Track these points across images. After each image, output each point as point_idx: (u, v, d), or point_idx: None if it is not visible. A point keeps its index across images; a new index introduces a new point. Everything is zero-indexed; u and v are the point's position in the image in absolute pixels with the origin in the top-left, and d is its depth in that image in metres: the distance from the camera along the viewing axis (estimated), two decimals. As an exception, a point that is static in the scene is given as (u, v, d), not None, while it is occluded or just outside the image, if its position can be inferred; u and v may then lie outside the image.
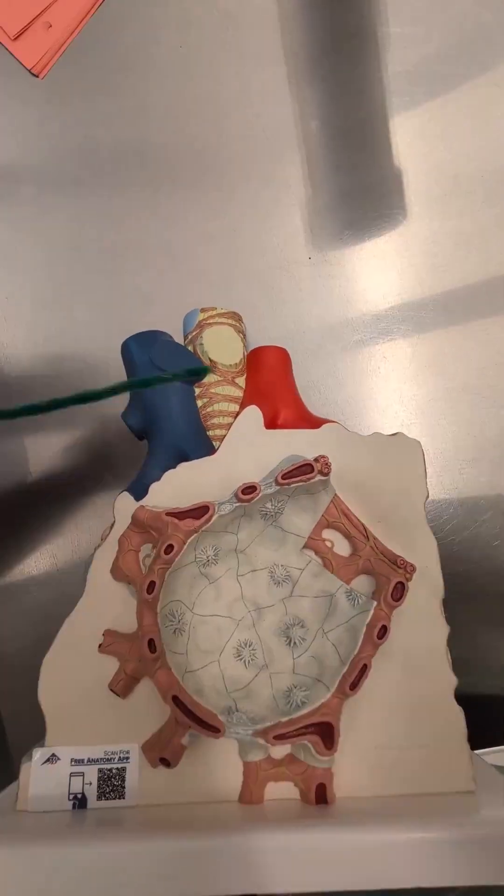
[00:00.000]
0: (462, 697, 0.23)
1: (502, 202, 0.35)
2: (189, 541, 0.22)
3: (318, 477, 0.24)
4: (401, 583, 0.23)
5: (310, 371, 0.36)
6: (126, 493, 0.25)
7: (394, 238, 0.36)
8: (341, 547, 0.25)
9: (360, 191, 0.36)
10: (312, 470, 0.23)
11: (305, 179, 0.36)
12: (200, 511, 0.22)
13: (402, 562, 0.23)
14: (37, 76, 0.34)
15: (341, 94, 0.36)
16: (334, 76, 0.36)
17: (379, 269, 0.36)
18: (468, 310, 0.36)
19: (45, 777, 0.21)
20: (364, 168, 0.36)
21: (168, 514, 0.22)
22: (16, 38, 0.34)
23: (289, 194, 0.36)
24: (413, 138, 0.36)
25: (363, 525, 0.25)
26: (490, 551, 0.34)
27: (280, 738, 0.20)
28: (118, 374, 0.30)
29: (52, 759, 0.22)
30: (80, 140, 0.36)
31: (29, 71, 0.34)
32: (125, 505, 0.24)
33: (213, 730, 0.20)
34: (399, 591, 0.23)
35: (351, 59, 0.36)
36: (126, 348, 0.29)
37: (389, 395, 0.36)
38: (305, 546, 0.25)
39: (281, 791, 0.21)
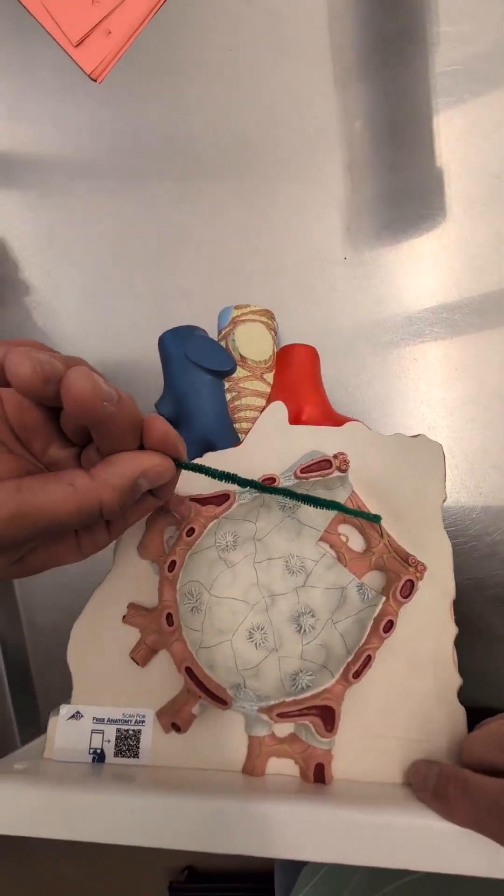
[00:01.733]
0: (477, 706, 0.23)
1: (546, 205, 0.35)
2: (210, 526, 0.24)
3: (336, 473, 0.25)
4: (410, 580, 0.23)
5: (339, 369, 0.36)
6: (155, 478, 0.27)
7: (432, 239, 0.36)
8: (356, 542, 0.26)
9: (400, 191, 0.36)
10: (331, 466, 0.24)
11: (346, 179, 0.36)
12: (221, 498, 0.24)
13: (413, 560, 0.24)
14: (95, 80, 0.36)
15: (386, 94, 0.36)
16: (380, 75, 0.36)
17: (415, 271, 0.36)
18: (503, 314, 0.35)
19: (69, 731, 0.24)
20: (405, 168, 0.36)
21: (192, 499, 0.24)
22: (77, 45, 0.36)
23: (328, 193, 0.36)
24: (457, 138, 0.35)
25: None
26: None
27: (283, 716, 0.21)
28: (155, 364, 0.31)
29: (77, 715, 0.24)
30: (131, 141, 0.38)
31: (88, 76, 0.36)
32: (153, 489, 0.26)
33: (221, 702, 0.21)
34: (408, 589, 0.23)
35: (398, 57, 0.36)
36: (162, 341, 0.30)
37: (418, 396, 0.36)
38: (321, 539, 0.26)
39: (282, 767, 0.23)
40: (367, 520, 0.24)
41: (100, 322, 0.38)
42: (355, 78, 0.36)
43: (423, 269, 0.36)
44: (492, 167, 0.35)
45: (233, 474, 0.21)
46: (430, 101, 0.36)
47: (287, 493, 0.21)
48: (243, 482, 0.21)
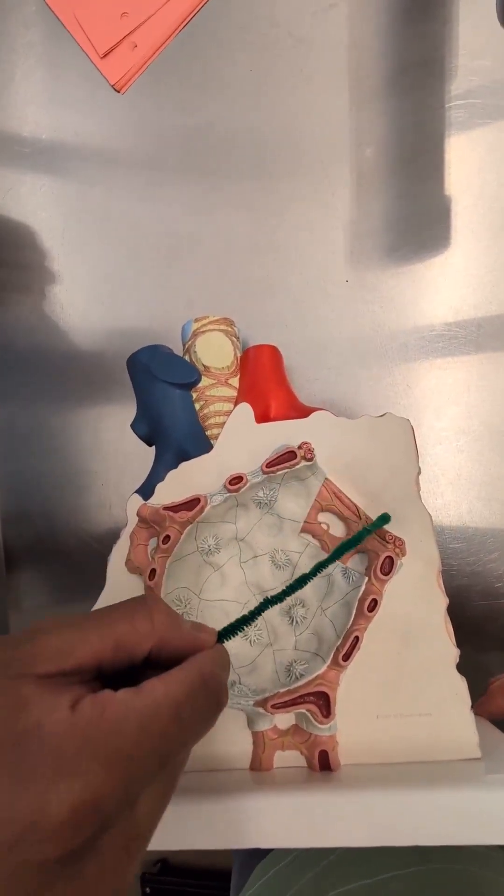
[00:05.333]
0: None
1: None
2: (187, 531, 0.24)
3: (303, 462, 0.25)
4: (389, 557, 0.23)
5: (332, 389, 0.37)
6: (136, 495, 0.28)
7: (434, 268, 0.36)
8: (337, 528, 0.26)
9: (406, 218, 0.36)
10: (296, 456, 0.25)
11: (354, 203, 0.37)
12: (193, 503, 0.24)
13: (390, 537, 0.24)
14: (118, 91, 0.38)
15: (400, 123, 0.36)
16: (395, 104, 0.36)
17: (414, 298, 0.36)
18: (500, 345, 0.35)
19: (81, 748, 0.24)
20: (413, 196, 0.36)
21: (165, 508, 0.25)
22: (104, 56, 0.38)
23: (336, 216, 0.37)
24: (467, 170, 0.36)
25: (355, 505, 0.26)
26: (492, 591, 0.34)
27: (277, 706, 0.21)
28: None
29: (87, 732, 0.24)
30: (149, 151, 0.39)
31: (112, 86, 0.38)
32: (135, 505, 0.27)
33: (215, 700, 0.22)
34: (388, 565, 0.23)
35: (414, 87, 0.36)
36: (129, 364, 0.31)
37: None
38: (302, 530, 0.26)
39: (289, 760, 0.23)
40: (380, 525, 0.23)
41: (105, 321, 0.39)
42: (371, 106, 0.37)
43: (423, 297, 0.36)
44: (500, 201, 0.35)
45: (264, 602, 0.19)
46: (443, 132, 0.36)
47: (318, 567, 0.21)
48: (274, 600, 0.20)
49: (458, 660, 0.23)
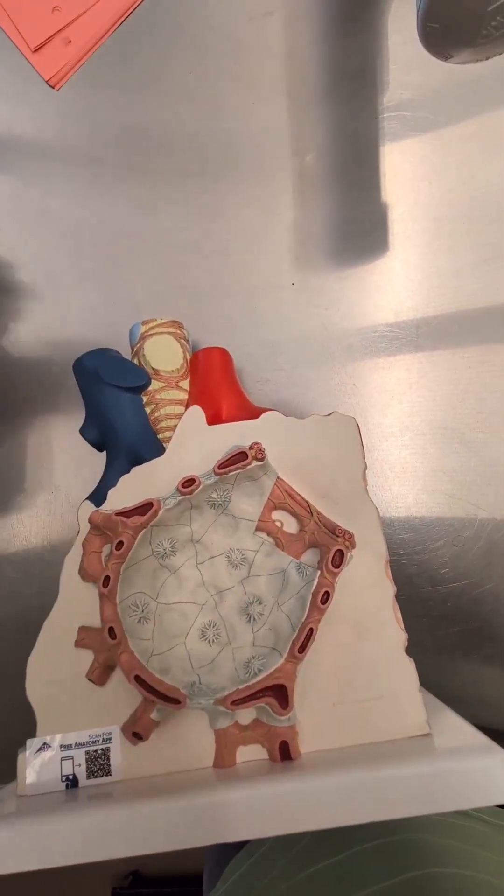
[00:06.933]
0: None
1: (479, 245, 0.37)
2: (140, 536, 0.24)
3: (255, 463, 0.25)
4: (340, 550, 0.24)
5: (281, 390, 0.38)
6: (87, 502, 0.27)
7: (374, 272, 0.37)
8: (290, 525, 0.27)
9: (347, 225, 0.37)
10: (247, 457, 0.25)
11: (296, 209, 0.38)
12: (146, 507, 0.24)
13: (340, 531, 0.25)
14: (53, 87, 0.37)
15: (336, 132, 0.37)
16: (332, 113, 0.37)
17: (357, 301, 0.37)
18: (437, 345, 0.37)
19: (39, 764, 0.24)
20: (352, 203, 0.37)
21: (117, 514, 0.24)
22: (36, 51, 0.37)
23: (280, 221, 0.38)
24: (401, 179, 0.37)
25: (307, 502, 0.26)
26: (438, 577, 0.36)
27: (237, 703, 0.22)
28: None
29: (44, 747, 0.24)
30: (88, 151, 0.38)
31: (46, 82, 0.37)
32: (86, 512, 0.27)
33: (175, 702, 0.22)
34: (338, 559, 0.24)
35: (349, 98, 0.37)
36: (76, 368, 0.31)
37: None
38: (257, 529, 0.27)
39: (251, 754, 0.23)
40: None
41: (48, 325, 0.38)
42: (309, 113, 0.38)
43: (366, 300, 0.38)
44: (432, 209, 0.37)
45: None
46: (378, 141, 0.37)
47: None
48: None
49: (406, 644, 0.24)
